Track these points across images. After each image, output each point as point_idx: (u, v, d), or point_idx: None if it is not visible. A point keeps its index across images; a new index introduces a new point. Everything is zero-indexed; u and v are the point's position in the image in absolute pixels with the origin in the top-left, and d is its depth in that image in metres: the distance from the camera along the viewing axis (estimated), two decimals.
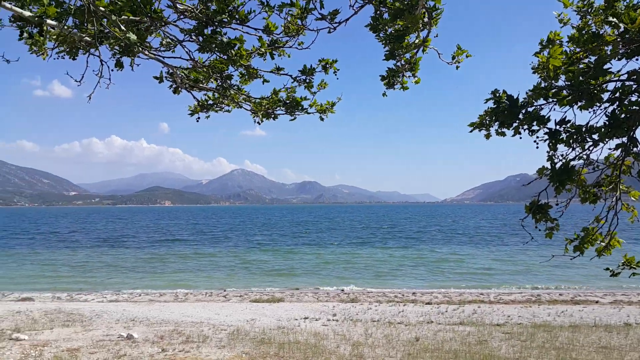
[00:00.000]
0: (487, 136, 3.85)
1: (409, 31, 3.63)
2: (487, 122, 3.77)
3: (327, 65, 3.76)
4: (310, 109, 4.02)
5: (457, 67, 4.17)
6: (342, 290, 22.87)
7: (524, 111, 3.52)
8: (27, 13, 3.39)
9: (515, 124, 3.58)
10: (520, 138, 3.68)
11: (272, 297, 20.25)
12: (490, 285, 24.52)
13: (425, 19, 3.52)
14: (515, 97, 3.49)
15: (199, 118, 4.24)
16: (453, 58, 4.05)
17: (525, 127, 3.58)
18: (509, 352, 10.28)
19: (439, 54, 3.96)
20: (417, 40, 3.82)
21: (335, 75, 3.88)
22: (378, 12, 3.40)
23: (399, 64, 4.01)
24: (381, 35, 3.63)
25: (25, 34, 3.72)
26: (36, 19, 3.31)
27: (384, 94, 4.24)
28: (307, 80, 3.83)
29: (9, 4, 3.38)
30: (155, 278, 27.90)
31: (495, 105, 3.54)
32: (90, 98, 3.82)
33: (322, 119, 4.08)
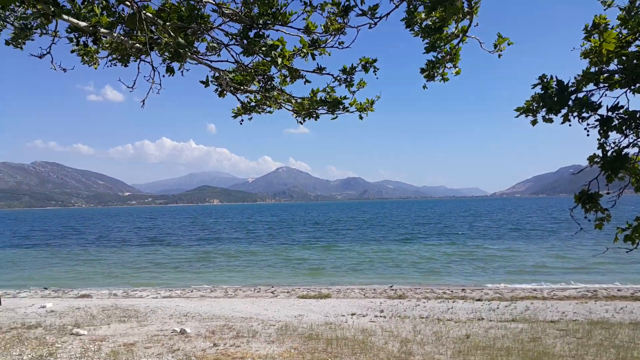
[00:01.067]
0: (534, 122, 3.74)
1: (446, 22, 3.59)
2: (534, 107, 3.66)
3: (368, 65, 3.77)
4: (350, 107, 4.05)
5: (500, 56, 4.08)
6: (391, 286, 22.72)
7: (573, 97, 3.40)
8: (82, 23, 3.60)
9: (564, 111, 3.46)
10: (570, 125, 3.55)
11: (318, 293, 20.42)
12: (544, 281, 23.67)
13: (465, 9, 3.46)
14: (565, 83, 3.37)
15: (242, 120, 4.35)
16: (495, 47, 3.97)
17: (575, 113, 3.45)
18: (565, 349, 9.93)
19: (480, 43, 3.89)
20: (456, 31, 3.76)
21: (375, 74, 3.89)
22: (412, 5, 3.38)
23: (439, 55, 3.96)
24: (415, 28, 3.60)
25: (80, 45, 3.95)
26: (90, 28, 3.50)
27: (424, 87, 4.20)
28: (348, 80, 3.86)
29: (67, 16, 3.59)
30: (204, 275, 28.73)
31: (543, 91, 3.43)
32: (143, 103, 4.01)
33: (361, 118, 4.10)
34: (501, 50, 4.03)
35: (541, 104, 3.54)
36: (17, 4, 3.67)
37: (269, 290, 22.05)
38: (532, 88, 3.53)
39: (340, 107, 3.97)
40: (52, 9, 3.29)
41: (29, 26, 3.92)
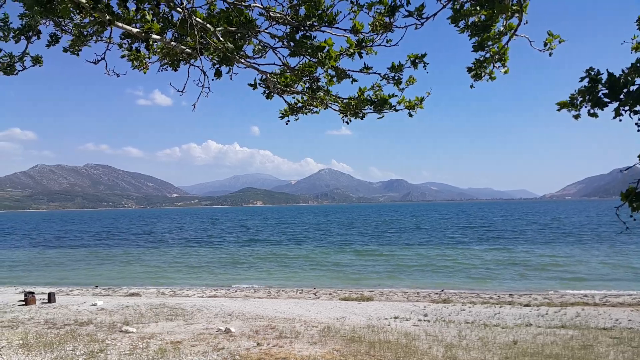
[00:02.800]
0: (577, 117, 3.56)
1: (494, 20, 3.48)
2: (579, 101, 3.48)
3: (417, 60, 3.71)
4: (398, 105, 3.99)
5: (550, 54, 3.93)
6: (442, 290, 22.26)
7: (625, 90, 3.21)
8: (135, 30, 3.73)
9: (613, 105, 3.28)
10: (620, 120, 3.37)
11: (361, 295, 20.32)
12: (595, 287, 22.59)
13: (514, 7, 3.35)
14: (617, 76, 3.20)
15: (288, 121, 4.40)
16: (545, 45, 3.83)
17: (627, 107, 3.26)
18: (618, 358, 9.45)
19: (530, 41, 3.76)
20: (503, 29, 3.65)
21: (425, 69, 3.82)
22: (458, 3, 3.30)
23: (486, 54, 3.86)
24: (461, 25, 3.51)
25: (132, 50, 4.11)
26: (143, 34, 3.63)
27: (471, 86, 4.10)
28: (396, 77, 3.82)
29: (120, 23, 3.73)
30: (247, 275, 29.18)
31: (590, 84, 3.27)
32: (194, 107, 4.11)
33: (410, 115, 4.04)
34: (552, 49, 3.88)
35: (587, 98, 3.37)
36: (75, 12, 3.85)
37: (311, 292, 22.15)
38: (580, 81, 3.37)
39: (387, 105, 3.93)
40: (108, 17, 3.43)
41: (86, 33, 4.11)
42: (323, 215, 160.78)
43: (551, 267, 29.57)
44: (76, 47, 4.25)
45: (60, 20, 4.20)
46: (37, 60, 4.64)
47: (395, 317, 15.08)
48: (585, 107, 3.52)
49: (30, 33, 4.51)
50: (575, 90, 3.54)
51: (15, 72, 4.56)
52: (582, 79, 3.37)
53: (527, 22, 3.68)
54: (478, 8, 3.32)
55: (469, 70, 3.88)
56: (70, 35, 4.19)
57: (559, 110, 3.68)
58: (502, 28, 3.69)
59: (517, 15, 3.51)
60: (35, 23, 4.25)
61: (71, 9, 3.75)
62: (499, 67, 4.03)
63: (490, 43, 3.60)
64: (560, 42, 3.88)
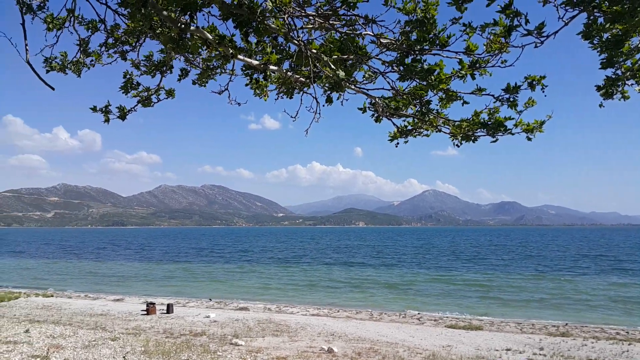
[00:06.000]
0: None
1: (629, 35, 3.20)
2: None
3: (534, 82, 3.54)
4: (514, 129, 3.81)
5: None
6: (566, 324, 20.21)
7: None
8: (254, 62, 4.03)
9: None
10: None
11: (469, 324, 19.30)
12: None
13: None
14: None
15: (397, 144, 4.42)
16: None
17: None
18: None
19: None
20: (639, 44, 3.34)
21: (543, 92, 3.62)
22: (592, 17, 3.09)
23: (618, 72, 3.55)
24: (595, 42, 3.27)
25: (252, 80, 4.45)
26: (262, 65, 3.91)
27: (600, 105, 3.78)
28: (511, 99, 3.66)
29: (242, 55, 4.07)
30: (348, 296, 29.20)
31: None
32: (307, 133, 4.33)
33: (529, 139, 3.82)
34: None
35: None
36: (203, 48, 4.28)
37: (414, 317, 21.53)
38: None
39: (502, 129, 3.77)
40: (231, 51, 3.76)
41: (212, 66, 4.53)
42: (429, 237, 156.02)
43: None
44: (203, 80, 4.70)
45: (190, 55, 4.68)
46: (170, 93, 5.19)
47: (508, 349, 14.08)
48: None
49: (164, 68, 5.07)
50: None
51: (151, 104, 5.15)
52: None
53: None
54: (614, 24, 3.09)
55: (599, 88, 3.60)
56: (198, 69, 4.65)
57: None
58: (638, 43, 3.40)
59: None
60: (169, 59, 4.79)
61: (199, 44, 4.17)
62: (632, 84, 3.70)
63: (621, 59, 3.33)
64: None
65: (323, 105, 4.11)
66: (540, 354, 13.56)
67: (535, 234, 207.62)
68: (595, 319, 21.96)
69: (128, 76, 5.01)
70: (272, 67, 3.82)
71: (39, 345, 10.56)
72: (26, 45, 3.94)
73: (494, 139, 3.94)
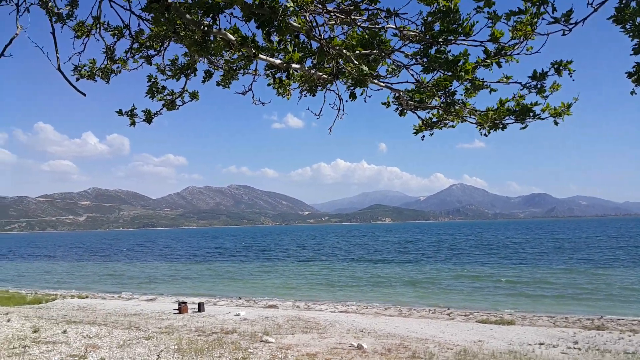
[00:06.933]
0: None
1: None
2: None
3: (561, 68, 3.45)
4: (542, 114, 3.73)
5: None
6: (600, 317, 19.68)
7: None
8: (277, 61, 4.06)
9: None
10: None
11: (500, 318, 19.01)
12: None
13: None
14: None
15: (423, 136, 4.38)
16: None
17: None
18: None
19: None
20: None
21: (571, 76, 3.52)
22: (624, 1, 2.99)
23: None
24: (627, 27, 3.16)
25: (275, 79, 4.48)
26: (284, 64, 3.93)
27: (632, 92, 3.64)
28: (538, 86, 3.58)
29: (264, 55, 4.10)
30: (376, 292, 29.11)
31: None
32: (330, 130, 4.34)
33: (556, 123, 3.73)
34: None
35: None
36: (226, 49, 4.34)
37: (444, 312, 21.33)
38: None
39: (530, 114, 3.69)
40: (253, 51, 3.79)
41: (235, 67, 4.58)
42: (456, 233, 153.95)
43: None
44: (226, 81, 4.76)
45: (213, 57, 4.74)
46: (194, 96, 5.27)
47: (541, 344, 13.82)
48: None
49: (189, 71, 5.15)
50: None
51: (176, 108, 5.24)
52: None
53: None
54: None
55: (630, 75, 3.48)
56: (221, 71, 4.71)
57: None
58: None
59: None
60: (193, 62, 4.86)
61: (222, 46, 4.22)
62: None
63: None
64: None
65: (346, 101, 4.11)
66: (574, 348, 13.27)
67: (567, 226, 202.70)
68: (630, 313, 21.33)
69: (153, 80, 5.10)
70: (294, 65, 3.84)
71: (76, 345, 10.88)
72: (57, 53, 4.07)
73: (524, 126, 3.86)
